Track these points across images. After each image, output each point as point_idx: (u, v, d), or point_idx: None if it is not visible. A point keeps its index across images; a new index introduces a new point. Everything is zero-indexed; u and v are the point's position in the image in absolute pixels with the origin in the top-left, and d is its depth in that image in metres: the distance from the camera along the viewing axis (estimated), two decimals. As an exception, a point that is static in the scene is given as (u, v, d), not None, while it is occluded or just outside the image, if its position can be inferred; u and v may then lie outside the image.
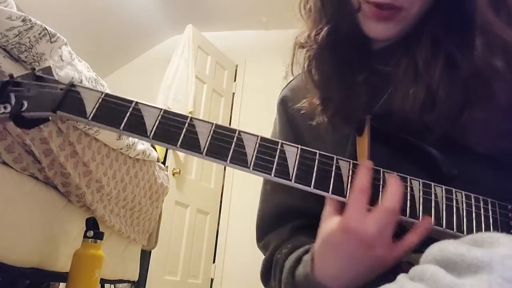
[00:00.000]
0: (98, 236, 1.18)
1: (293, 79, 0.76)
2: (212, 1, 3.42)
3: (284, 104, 0.73)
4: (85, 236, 1.17)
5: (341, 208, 0.48)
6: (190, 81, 3.05)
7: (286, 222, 0.66)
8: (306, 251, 0.54)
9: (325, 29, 0.58)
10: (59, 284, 1.65)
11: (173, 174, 2.82)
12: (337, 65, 0.60)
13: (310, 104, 0.63)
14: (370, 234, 0.43)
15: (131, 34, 3.68)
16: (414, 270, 0.33)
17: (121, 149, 1.38)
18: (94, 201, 1.27)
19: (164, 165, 2.33)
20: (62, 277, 1.20)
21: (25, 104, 0.48)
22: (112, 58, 3.82)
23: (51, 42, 1.00)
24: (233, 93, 3.64)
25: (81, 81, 1.08)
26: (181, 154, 2.85)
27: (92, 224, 1.20)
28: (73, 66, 1.07)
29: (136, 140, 1.47)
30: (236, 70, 3.71)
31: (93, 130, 1.19)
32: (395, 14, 0.52)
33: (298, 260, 0.54)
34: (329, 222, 0.47)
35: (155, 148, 1.70)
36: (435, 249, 0.33)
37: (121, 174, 1.42)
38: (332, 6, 0.58)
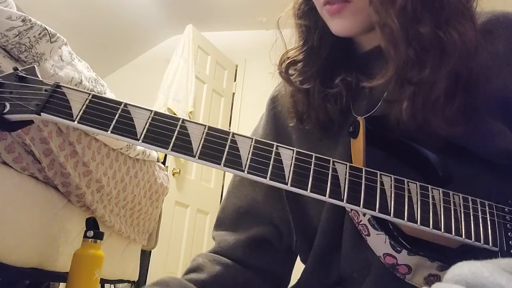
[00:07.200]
0: (98, 236, 1.18)
1: None
2: (212, 1, 3.42)
3: (275, 101, 0.74)
4: (85, 236, 1.17)
5: None
6: (190, 81, 3.04)
7: (244, 227, 0.68)
8: None
9: (309, 45, 0.63)
10: (59, 284, 1.65)
11: (173, 174, 2.82)
12: (320, 70, 0.62)
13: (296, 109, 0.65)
14: None
15: (131, 34, 3.68)
16: (437, 286, 0.31)
17: (121, 149, 1.38)
18: (94, 201, 1.27)
19: (164, 165, 2.33)
20: (62, 277, 1.20)
21: (7, 106, 0.46)
22: (112, 58, 3.82)
23: (51, 42, 1.00)
24: (233, 93, 3.64)
25: (81, 81, 1.08)
26: (181, 154, 2.85)
27: (92, 224, 1.20)
28: (73, 66, 1.07)
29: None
30: (236, 70, 3.71)
31: (93, 130, 1.19)
32: (345, 5, 0.55)
33: None
34: None
35: (155, 148, 1.70)
36: (465, 270, 0.30)
37: (121, 174, 1.42)
38: (310, 29, 0.63)
